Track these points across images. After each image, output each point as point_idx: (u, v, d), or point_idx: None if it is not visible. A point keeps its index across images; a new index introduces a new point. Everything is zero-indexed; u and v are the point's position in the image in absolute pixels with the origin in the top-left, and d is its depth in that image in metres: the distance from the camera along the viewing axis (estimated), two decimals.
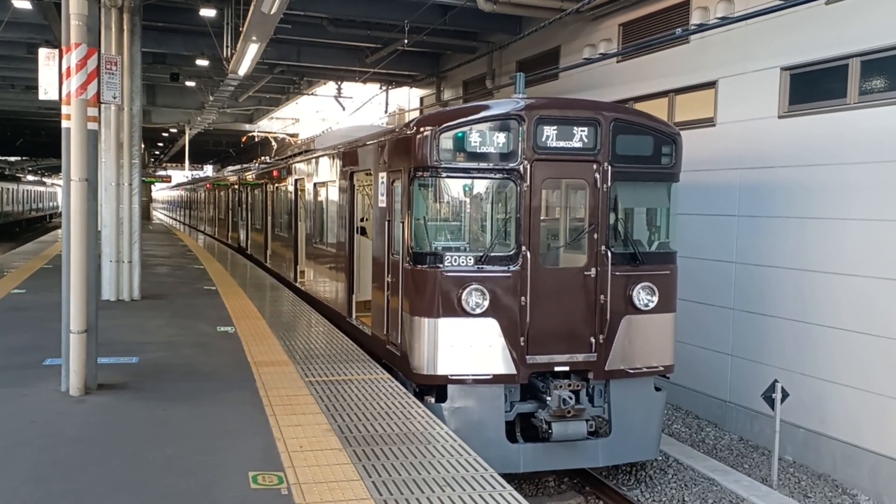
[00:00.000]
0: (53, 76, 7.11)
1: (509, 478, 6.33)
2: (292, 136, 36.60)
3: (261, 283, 15.74)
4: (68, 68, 6.79)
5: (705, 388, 11.92)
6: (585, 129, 8.29)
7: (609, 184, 8.36)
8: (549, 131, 8.21)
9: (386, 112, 25.83)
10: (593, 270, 8.36)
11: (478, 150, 8.10)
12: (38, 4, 16.31)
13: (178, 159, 59.69)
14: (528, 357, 8.16)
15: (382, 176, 9.37)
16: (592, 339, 8.34)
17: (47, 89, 7.20)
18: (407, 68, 22.36)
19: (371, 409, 6.84)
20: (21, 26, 18.66)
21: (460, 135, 8.09)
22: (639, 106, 13.17)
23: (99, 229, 8.64)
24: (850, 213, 9.56)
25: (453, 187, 8.36)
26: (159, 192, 72.07)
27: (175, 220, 55.54)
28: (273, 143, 36.02)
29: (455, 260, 8.09)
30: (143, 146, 14.53)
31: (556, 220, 9.16)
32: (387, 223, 9.12)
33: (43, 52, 7.27)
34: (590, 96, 13.77)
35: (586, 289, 8.36)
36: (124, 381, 7.59)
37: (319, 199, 13.55)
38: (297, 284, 15.22)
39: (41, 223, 70.41)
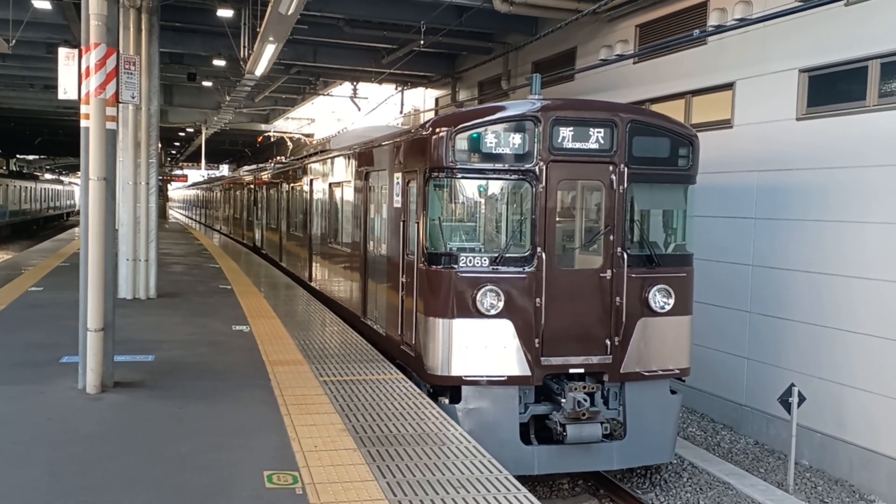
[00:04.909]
0: (73, 76, 7.14)
1: (523, 480, 6.32)
2: (308, 136, 36.71)
3: (275, 283, 15.79)
4: (87, 68, 6.83)
5: (721, 391, 11.84)
6: (602, 130, 8.25)
7: (625, 185, 8.32)
8: (565, 132, 8.18)
9: (401, 113, 25.86)
10: (609, 272, 8.32)
11: (493, 151, 8.09)
12: (57, 4, 16.46)
13: (194, 159, 60.06)
14: (542, 359, 8.13)
15: (398, 176, 9.37)
16: (608, 341, 8.31)
17: (66, 89, 7.23)
18: (422, 69, 22.38)
19: (385, 410, 6.84)
20: (41, 26, 18.82)
21: (476, 135, 8.07)
22: (655, 107, 13.12)
23: (116, 228, 8.67)
24: (869, 215, 9.47)
25: (468, 188, 8.35)
26: (175, 191, 72.48)
27: (191, 218, 55.82)
28: (288, 143, 36.12)
29: (470, 260, 8.07)
30: (160, 145, 14.60)
31: (572, 221, 9.13)
32: (402, 223, 9.12)
33: (62, 52, 7.31)
34: (606, 97, 13.73)
35: (602, 290, 8.32)
36: (140, 378, 7.64)
37: (334, 199, 13.58)
38: (312, 284, 15.25)
39: (58, 221, 70.97)
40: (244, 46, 17.45)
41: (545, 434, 8.31)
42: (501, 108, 8.52)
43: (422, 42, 17.10)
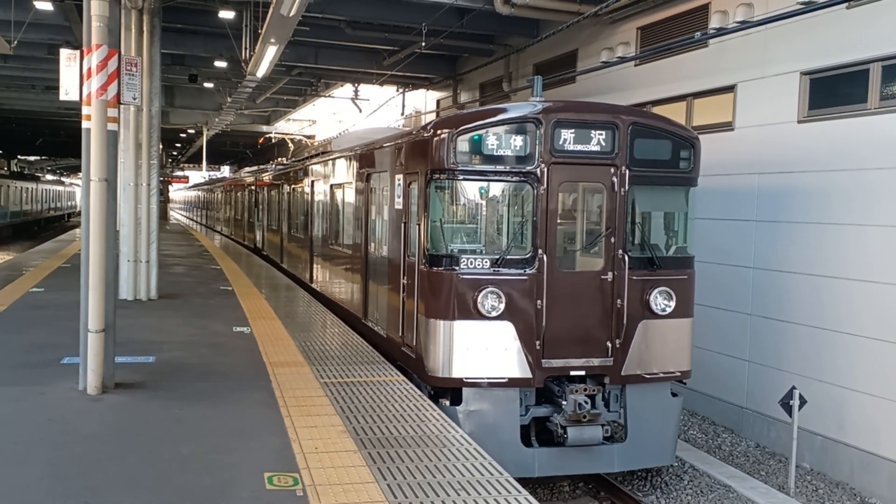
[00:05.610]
0: (74, 77, 7.14)
1: (524, 482, 6.33)
2: (309, 137, 36.73)
3: (276, 284, 15.79)
4: (89, 69, 6.84)
5: (722, 393, 11.83)
6: (603, 132, 8.25)
7: (626, 187, 8.32)
8: (567, 134, 8.18)
9: (402, 114, 25.88)
10: (610, 274, 8.32)
11: (495, 153, 8.09)
12: (59, 6, 16.47)
13: (195, 160, 60.10)
14: (543, 361, 8.13)
15: (399, 178, 9.37)
16: (609, 344, 8.30)
17: (68, 90, 7.23)
18: (424, 71, 22.39)
19: (386, 412, 6.84)
20: (42, 27, 18.84)
21: (477, 137, 8.07)
22: (657, 110, 13.12)
23: (117, 229, 8.68)
24: (871, 218, 9.47)
25: (470, 190, 8.35)
26: (176, 192, 72.54)
27: (192, 220, 55.84)
28: (290, 144, 36.15)
29: (471, 262, 8.07)
30: (161, 147, 14.62)
31: (573, 223, 9.12)
32: (403, 225, 9.12)
33: (64, 53, 7.31)
34: (607, 100, 13.73)
35: (603, 293, 8.32)
36: (141, 380, 7.63)
37: (336, 200, 13.59)
38: (313, 285, 15.25)
39: (59, 222, 70.99)
40: (245, 48, 17.47)
41: (546, 436, 8.31)
42: (503, 110, 8.52)
43: (423, 44, 17.12)
